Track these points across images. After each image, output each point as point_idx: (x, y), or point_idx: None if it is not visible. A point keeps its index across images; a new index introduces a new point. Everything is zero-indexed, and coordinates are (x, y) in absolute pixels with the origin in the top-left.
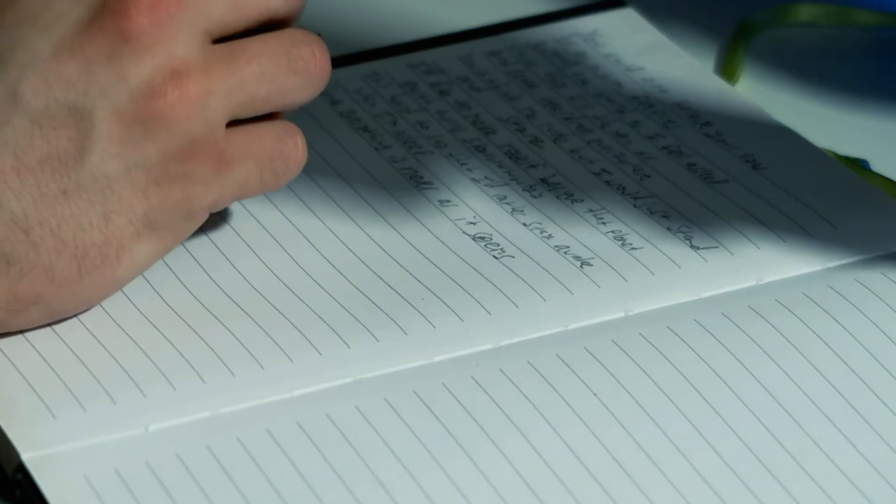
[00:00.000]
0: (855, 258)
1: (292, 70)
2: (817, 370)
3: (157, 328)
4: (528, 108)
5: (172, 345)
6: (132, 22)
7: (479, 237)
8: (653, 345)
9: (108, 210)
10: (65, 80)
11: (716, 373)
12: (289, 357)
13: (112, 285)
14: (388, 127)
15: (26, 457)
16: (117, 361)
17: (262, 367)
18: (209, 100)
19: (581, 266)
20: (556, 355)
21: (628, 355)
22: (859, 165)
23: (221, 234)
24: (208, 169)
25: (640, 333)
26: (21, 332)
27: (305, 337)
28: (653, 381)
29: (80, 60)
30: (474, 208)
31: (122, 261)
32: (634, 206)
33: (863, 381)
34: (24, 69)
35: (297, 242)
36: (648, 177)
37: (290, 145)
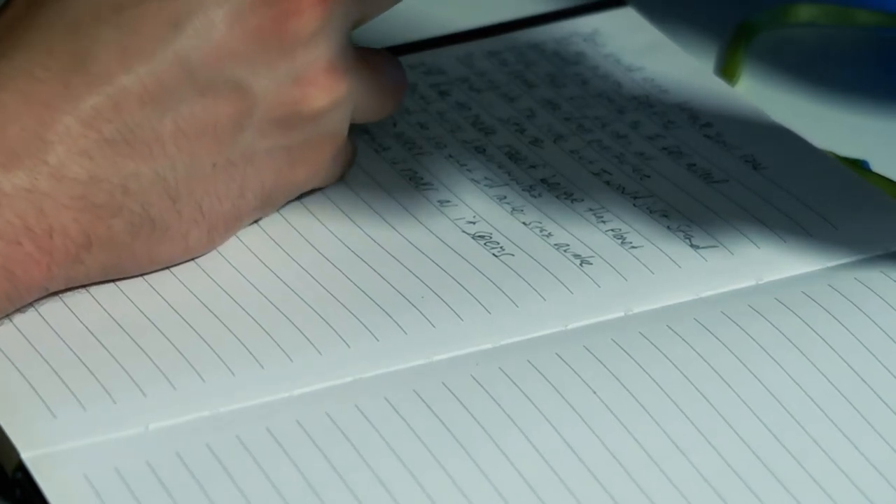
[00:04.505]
0: (855, 258)
1: None
2: (817, 369)
3: (157, 327)
4: (527, 109)
5: (172, 344)
6: (307, 3)
7: (479, 236)
8: (653, 344)
9: (245, 185)
10: (236, 54)
11: (716, 372)
12: (289, 356)
13: (213, 249)
14: (388, 128)
15: (26, 456)
16: (117, 361)
17: (261, 366)
18: (349, 95)
19: (581, 265)
20: (556, 354)
21: (628, 354)
22: (859, 166)
23: None
24: (332, 155)
25: (641, 332)
26: (20, 331)
27: (305, 336)
28: (653, 380)
29: (254, 36)
30: (474, 208)
31: (235, 230)
32: (634, 205)
33: (863, 380)
34: (198, 38)
35: (296, 243)
36: (648, 177)
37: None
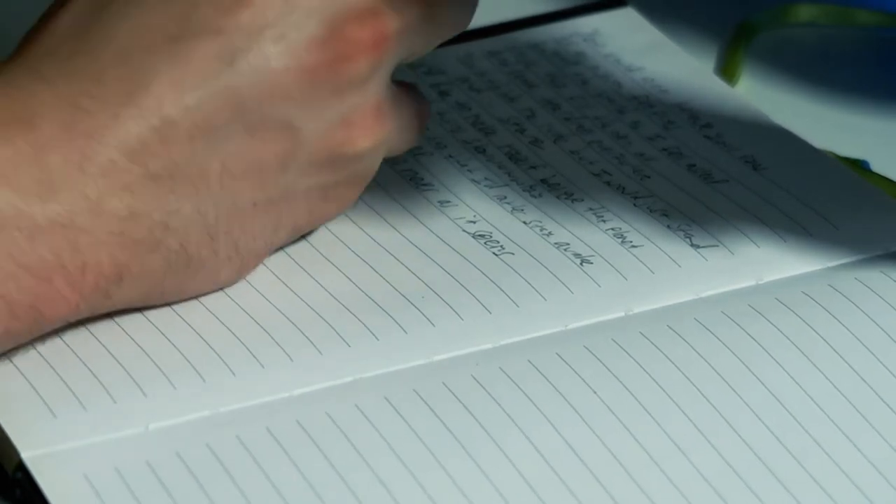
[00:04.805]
0: (855, 258)
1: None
2: (818, 369)
3: (157, 327)
4: (527, 109)
5: (173, 344)
6: (363, 48)
7: (479, 235)
8: (653, 343)
9: (279, 223)
10: (288, 93)
11: (716, 371)
12: (289, 356)
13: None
14: None
15: (26, 455)
16: (117, 360)
17: (262, 365)
18: (390, 136)
19: (581, 264)
20: (557, 354)
21: (629, 354)
22: (859, 166)
23: None
24: (362, 190)
25: (641, 332)
26: None
27: (305, 336)
28: (653, 379)
29: (307, 77)
30: (474, 208)
31: (260, 263)
32: (634, 204)
33: (863, 380)
34: (251, 76)
35: (296, 243)
36: (648, 177)
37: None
